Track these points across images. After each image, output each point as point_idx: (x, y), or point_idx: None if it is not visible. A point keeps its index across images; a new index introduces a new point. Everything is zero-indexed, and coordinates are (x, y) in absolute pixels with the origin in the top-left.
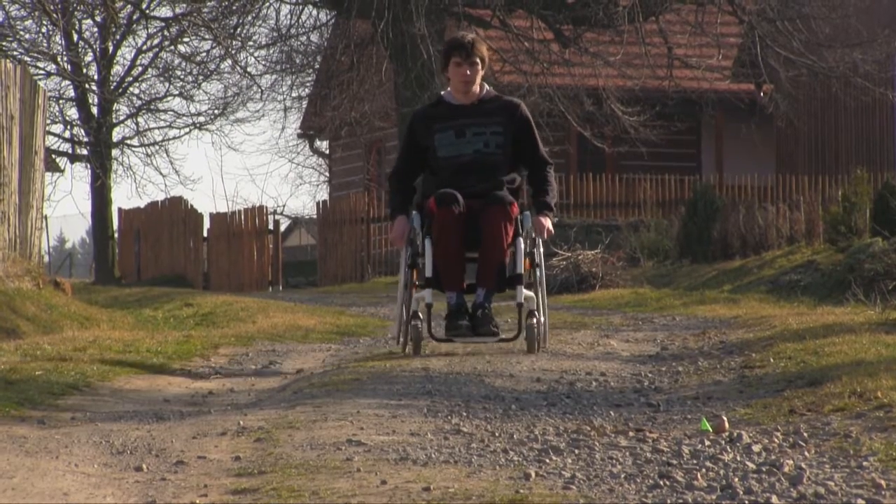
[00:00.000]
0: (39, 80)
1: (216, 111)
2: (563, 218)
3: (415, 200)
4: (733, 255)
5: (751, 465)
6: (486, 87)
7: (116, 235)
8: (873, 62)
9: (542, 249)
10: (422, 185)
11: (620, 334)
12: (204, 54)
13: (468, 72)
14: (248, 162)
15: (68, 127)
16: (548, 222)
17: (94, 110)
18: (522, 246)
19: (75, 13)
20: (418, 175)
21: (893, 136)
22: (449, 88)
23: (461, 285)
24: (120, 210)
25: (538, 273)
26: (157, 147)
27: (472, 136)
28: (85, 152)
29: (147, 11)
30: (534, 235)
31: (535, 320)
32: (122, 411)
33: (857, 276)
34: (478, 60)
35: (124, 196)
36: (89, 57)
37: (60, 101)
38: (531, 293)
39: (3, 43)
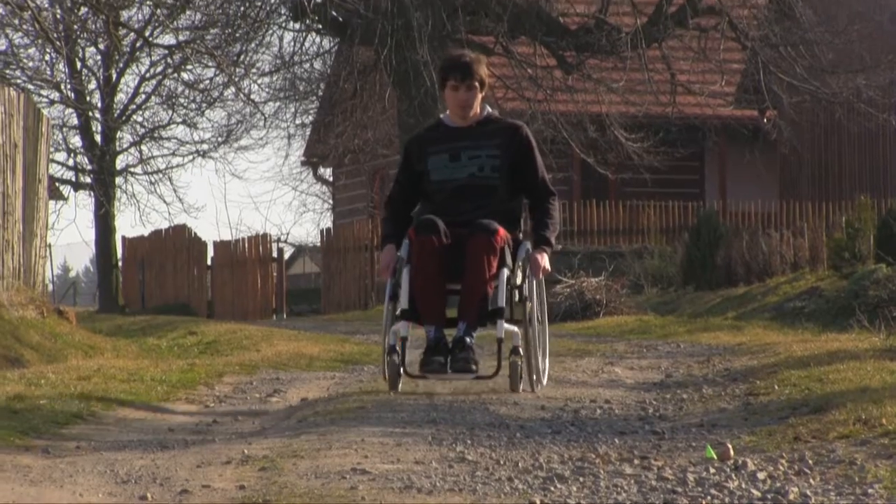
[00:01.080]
0: (43, 107)
1: (220, 139)
2: (567, 245)
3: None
4: (737, 282)
5: (756, 493)
6: (488, 108)
7: (120, 264)
8: (877, 88)
9: (536, 286)
10: (417, 212)
11: (625, 361)
12: (207, 82)
13: (465, 96)
14: (251, 189)
15: (72, 155)
16: (545, 260)
17: (98, 138)
18: (505, 277)
19: (78, 41)
20: (415, 202)
21: None
22: (448, 111)
23: (441, 318)
24: (124, 238)
25: (528, 308)
26: (161, 175)
27: (468, 159)
28: (89, 180)
29: (150, 39)
30: (528, 272)
31: (518, 358)
32: (127, 440)
33: (861, 303)
34: (476, 84)
35: (128, 224)
36: (93, 85)
37: (64, 129)
38: (514, 328)
39: (7, 71)
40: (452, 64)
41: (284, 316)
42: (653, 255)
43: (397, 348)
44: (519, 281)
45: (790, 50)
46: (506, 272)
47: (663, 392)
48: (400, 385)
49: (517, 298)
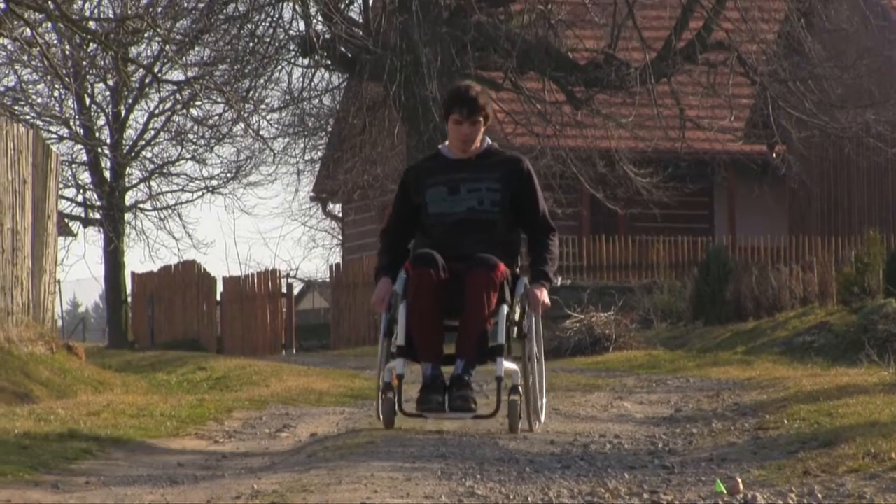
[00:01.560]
0: (52, 143)
1: (229, 174)
2: (577, 280)
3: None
4: (747, 317)
5: None
6: (489, 140)
7: (130, 299)
8: (886, 122)
9: (535, 322)
10: (414, 245)
11: (634, 396)
12: (216, 118)
13: (468, 131)
14: (260, 225)
15: (81, 191)
16: (544, 294)
17: (107, 174)
18: (505, 313)
19: (87, 77)
20: (412, 235)
21: None
22: (447, 142)
23: (438, 356)
24: (133, 274)
25: (528, 346)
26: (170, 211)
27: (467, 192)
28: (98, 216)
29: (159, 75)
30: (526, 307)
31: (518, 397)
32: (136, 475)
33: (870, 337)
34: (480, 119)
35: (137, 260)
36: (101, 121)
37: (73, 165)
38: (514, 366)
39: (16, 107)
40: (458, 97)
41: (294, 351)
42: (662, 290)
43: (393, 386)
44: (517, 317)
45: (799, 85)
46: (505, 308)
47: (673, 426)
48: (395, 423)
49: (515, 335)
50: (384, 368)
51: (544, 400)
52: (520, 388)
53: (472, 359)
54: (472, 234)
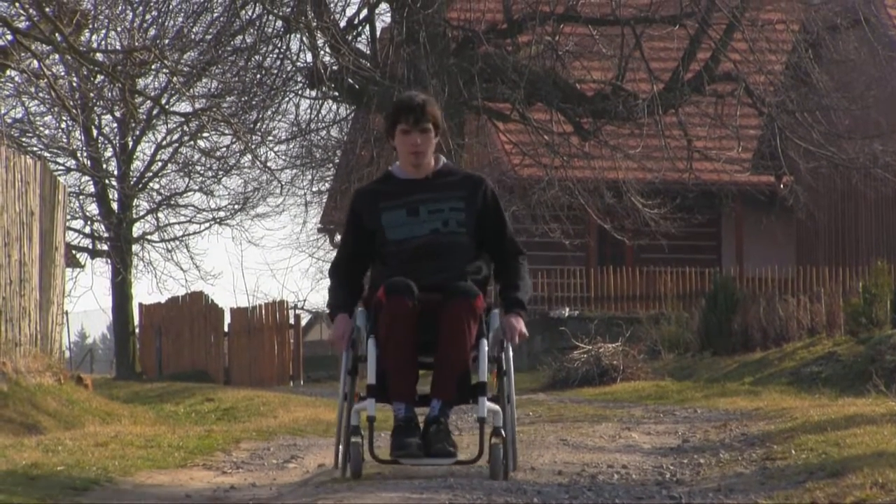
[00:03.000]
0: (59, 175)
1: (236, 206)
2: (584, 311)
3: (363, 298)
4: (754, 347)
5: None
6: (443, 159)
7: (137, 331)
8: (893, 153)
9: (511, 355)
10: (370, 278)
11: (642, 427)
12: (224, 149)
13: (418, 140)
14: (268, 257)
15: (88, 222)
16: (520, 324)
17: (115, 206)
18: (486, 348)
19: (94, 109)
20: (365, 267)
21: None
22: (397, 163)
23: (412, 395)
24: (141, 305)
25: (505, 383)
26: (178, 242)
27: (428, 214)
28: (105, 248)
29: (166, 107)
30: (502, 338)
31: (500, 440)
32: None
33: (878, 368)
34: (430, 126)
35: (145, 291)
36: (109, 152)
37: (80, 197)
38: (496, 407)
39: (23, 139)
40: (403, 106)
41: (301, 382)
42: (669, 321)
43: (362, 431)
44: (493, 352)
45: (807, 116)
46: (485, 343)
47: (680, 457)
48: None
49: (495, 372)
50: (353, 410)
51: (515, 440)
52: (502, 431)
53: (450, 398)
54: (438, 260)
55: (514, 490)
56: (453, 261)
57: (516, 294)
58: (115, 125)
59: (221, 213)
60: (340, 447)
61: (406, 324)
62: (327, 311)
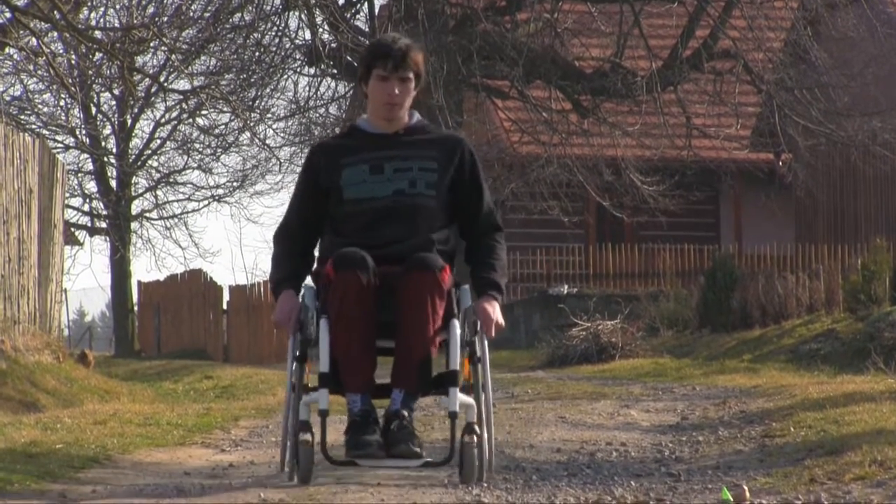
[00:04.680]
0: (58, 153)
1: (235, 184)
2: (583, 288)
3: (311, 271)
4: (753, 325)
5: None
6: (418, 115)
7: (136, 308)
8: (892, 130)
9: (486, 342)
10: (320, 248)
11: (640, 404)
12: (222, 127)
13: (396, 90)
14: (267, 234)
15: (87, 200)
16: (496, 311)
17: (113, 183)
18: (458, 331)
19: (93, 87)
20: (316, 234)
21: None
22: (365, 115)
23: (370, 385)
24: (139, 283)
25: (480, 371)
26: (176, 220)
27: (393, 172)
28: (104, 225)
29: (165, 84)
30: (475, 319)
31: (474, 437)
32: (143, 484)
33: (877, 345)
34: (410, 75)
35: (143, 269)
36: (108, 130)
37: (79, 175)
38: (470, 399)
39: (22, 116)
40: (381, 48)
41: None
42: (668, 299)
43: (312, 427)
44: (465, 335)
45: (805, 93)
46: (456, 323)
47: (679, 434)
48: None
49: (465, 358)
50: (302, 403)
51: (493, 442)
52: (475, 427)
53: (413, 389)
54: (399, 226)
55: (513, 468)
56: (417, 227)
57: (491, 275)
58: (113, 103)
59: (220, 191)
60: (288, 446)
61: (360, 302)
62: (270, 286)
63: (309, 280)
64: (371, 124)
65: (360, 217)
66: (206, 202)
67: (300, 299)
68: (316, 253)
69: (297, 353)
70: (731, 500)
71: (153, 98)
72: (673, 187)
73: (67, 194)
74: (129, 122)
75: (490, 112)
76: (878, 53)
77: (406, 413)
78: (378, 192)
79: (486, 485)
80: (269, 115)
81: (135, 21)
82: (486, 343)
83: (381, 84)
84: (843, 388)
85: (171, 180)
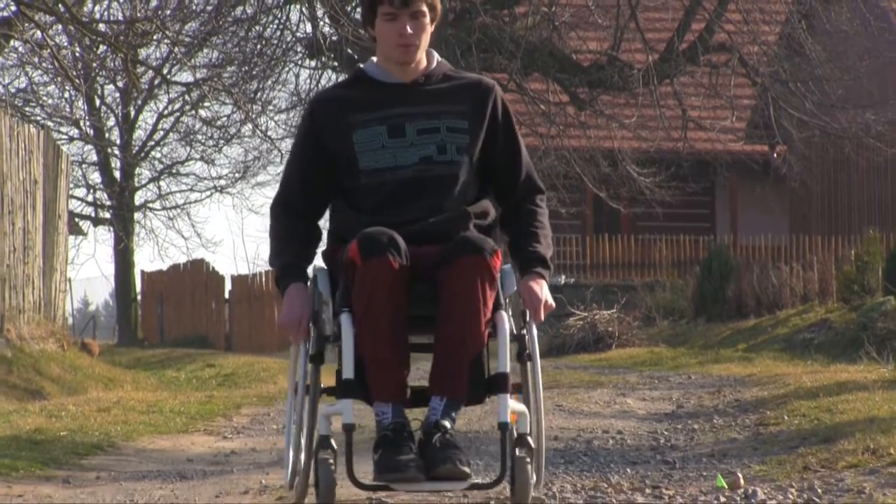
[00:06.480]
0: (62, 144)
1: (237, 174)
2: (580, 278)
3: (322, 251)
4: (748, 315)
5: None
6: (437, 56)
7: (139, 298)
8: (885, 123)
9: (535, 333)
10: (332, 223)
11: (636, 393)
12: (224, 119)
13: (408, 28)
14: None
15: (91, 191)
16: (544, 290)
17: (117, 174)
18: (507, 325)
19: (97, 79)
20: (324, 207)
21: None
22: (374, 58)
23: (402, 392)
24: (143, 273)
25: (529, 370)
26: (179, 210)
27: (417, 134)
28: (108, 216)
29: (168, 77)
30: (523, 308)
31: (528, 451)
32: (146, 470)
33: (869, 335)
34: (424, 8)
35: (147, 259)
36: (111, 122)
37: (83, 166)
38: (521, 407)
39: (27, 108)
40: None
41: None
42: (664, 289)
43: (333, 444)
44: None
45: (800, 86)
46: (504, 317)
47: (674, 423)
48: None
49: (515, 355)
50: (320, 415)
51: (543, 450)
52: (529, 440)
53: (457, 396)
54: (428, 200)
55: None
56: (451, 201)
57: (536, 248)
58: (117, 95)
59: (222, 182)
60: (300, 464)
61: (392, 294)
62: (272, 272)
63: (319, 260)
64: (383, 71)
65: (380, 190)
66: (208, 193)
67: (311, 287)
68: (323, 225)
69: (313, 352)
70: (726, 487)
71: (156, 90)
72: (669, 179)
73: (72, 185)
74: (133, 113)
75: None
76: (871, 47)
77: (448, 425)
78: (401, 160)
79: (482, 471)
80: (270, 107)
81: (138, 14)
82: (535, 334)
83: (390, 24)
84: (836, 378)
85: (174, 171)
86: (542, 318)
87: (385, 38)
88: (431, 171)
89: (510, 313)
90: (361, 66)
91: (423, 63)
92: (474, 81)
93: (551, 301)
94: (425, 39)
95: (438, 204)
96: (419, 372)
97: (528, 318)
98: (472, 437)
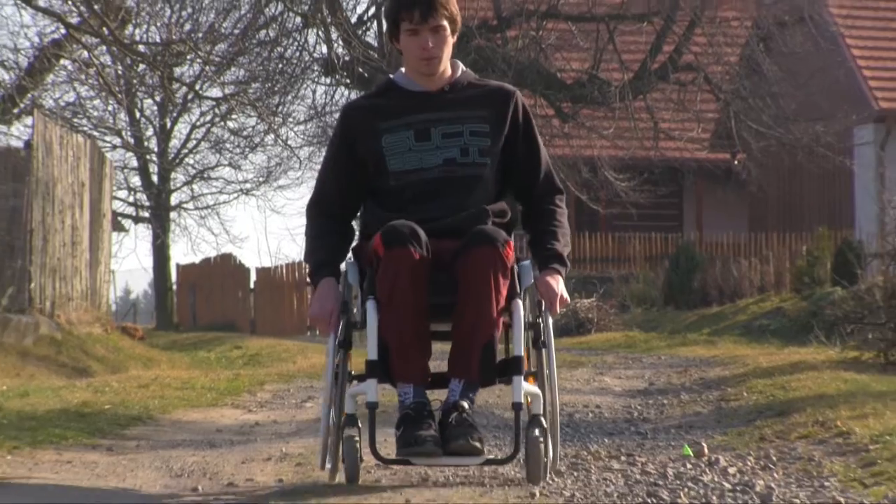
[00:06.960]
0: (106, 151)
1: (261, 179)
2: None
3: (352, 247)
4: (711, 303)
5: (727, 485)
6: (462, 66)
7: (175, 287)
8: (834, 134)
9: (550, 323)
10: (361, 222)
11: (613, 372)
12: (250, 129)
13: (430, 42)
14: (289, 223)
15: (132, 193)
16: (560, 284)
17: (155, 178)
18: (522, 312)
19: (137, 94)
20: (355, 208)
21: (851, 199)
22: (402, 69)
23: (425, 374)
24: (177, 265)
25: (544, 355)
26: (210, 210)
27: (441, 138)
28: (146, 215)
29: (200, 92)
30: (539, 298)
31: (541, 432)
32: (180, 440)
33: (819, 321)
34: (444, 23)
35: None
36: (150, 132)
37: (125, 170)
38: (535, 389)
39: (75, 120)
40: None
41: (317, 333)
42: (638, 280)
43: (359, 423)
44: (529, 317)
45: (758, 101)
46: (520, 305)
47: (647, 398)
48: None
49: (531, 343)
50: (347, 395)
51: (557, 433)
52: (542, 420)
53: (474, 378)
54: (451, 200)
55: (502, 427)
56: (473, 200)
57: (554, 245)
58: (155, 108)
59: (248, 185)
60: (329, 442)
61: (414, 281)
62: (307, 268)
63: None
64: (410, 80)
65: (407, 190)
66: (235, 195)
67: (342, 278)
68: (355, 225)
69: (341, 338)
70: (692, 455)
71: (189, 104)
72: (642, 183)
73: (114, 187)
74: (169, 124)
75: None
76: (821, 66)
77: (466, 405)
78: (426, 161)
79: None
80: (290, 119)
81: (174, 37)
82: (550, 323)
83: (412, 39)
84: (789, 359)
85: (205, 176)
86: (558, 311)
87: (409, 52)
88: (455, 172)
89: (526, 304)
90: (391, 76)
91: (448, 72)
92: (496, 88)
93: (566, 295)
94: (447, 51)
95: (460, 203)
96: (444, 357)
97: (543, 309)
98: (488, 415)
